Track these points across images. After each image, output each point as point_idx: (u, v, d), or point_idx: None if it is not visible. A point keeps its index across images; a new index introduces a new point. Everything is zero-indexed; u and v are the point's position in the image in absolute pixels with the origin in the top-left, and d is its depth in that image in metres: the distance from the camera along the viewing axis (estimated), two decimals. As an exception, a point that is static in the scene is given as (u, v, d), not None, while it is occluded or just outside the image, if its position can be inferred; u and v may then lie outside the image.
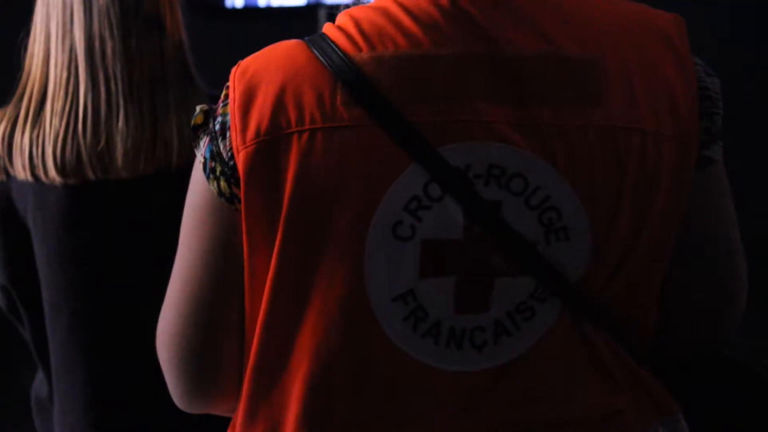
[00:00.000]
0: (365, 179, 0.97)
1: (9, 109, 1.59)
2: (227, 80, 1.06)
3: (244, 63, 1.04)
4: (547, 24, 1.00)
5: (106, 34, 1.53)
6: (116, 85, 1.53)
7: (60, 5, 1.54)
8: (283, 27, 4.21)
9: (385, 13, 1.01)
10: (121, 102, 1.53)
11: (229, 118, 1.02)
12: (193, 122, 1.10)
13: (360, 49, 0.99)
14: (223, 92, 1.05)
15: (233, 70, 1.04)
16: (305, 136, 0.98)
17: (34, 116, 1.55)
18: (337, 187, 0.97)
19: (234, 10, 4.00)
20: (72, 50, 1.54)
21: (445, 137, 0.97)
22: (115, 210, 1.57)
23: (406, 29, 0.99)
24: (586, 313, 1.03)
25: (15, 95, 1.60)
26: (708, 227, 1.08)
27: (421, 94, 0.98)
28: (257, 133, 0.99)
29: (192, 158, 1.40)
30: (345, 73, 0.98)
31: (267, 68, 1.02)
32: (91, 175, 1.54)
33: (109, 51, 1.53)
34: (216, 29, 4.03)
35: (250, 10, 4.02)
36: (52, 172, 1.53)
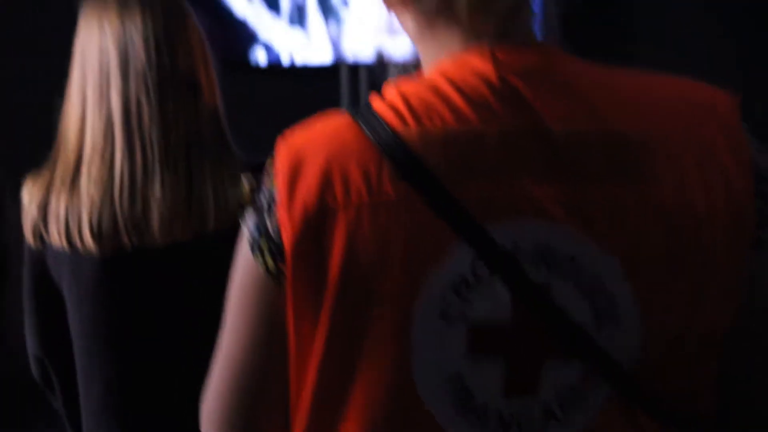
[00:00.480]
0: (411, 256, 0.96)
1: (43, 175, 1.58)
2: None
3: (290, 137, 1.04)
4: (597, 100, 0.99)
5: (143, 98, 1.52)
6: (152, 150, 1.52)
7: (97, 69, 1.54)
8: (306, 84, 4.25)
9: (433, 88, 1.01)
10: (158, 167, 1.52)
11: (275, 192, 1.01)
12: (241, 197, 1.09)
13: (407, 125, 0.98)
14: (268, 164, 1.04)
15: (278, 142, 1.04)
16: (352, 212, 0.97)
17: (69, 182, 1.54)
18: (383, 264, 0.96)
19: (258, 68, 4.02)
20: (109, 115, 1.53)
21: (492, 215, 0.96)
22: (150, 277, 1.55)
23: (455, 105, 0.99)
24: (637, 400, 1.00)
25: (49, 159, 1.59)
26: (766, 310, 1.05)
27: (469, 171, 0.97)
28: (304, 210, 0.98)
29: (227, 222, 1.38)
30: (392, 149, 0.97)
31: (313, 142, 1.01)
32: (126, 243, 1.52)
33: (145, 115, 1.52)
34: (240, 85, 4.06)
35: (274, 68, 4.04)
36: (88, 239, 1.52)
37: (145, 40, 1.52)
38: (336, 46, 4.05)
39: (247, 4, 3.96)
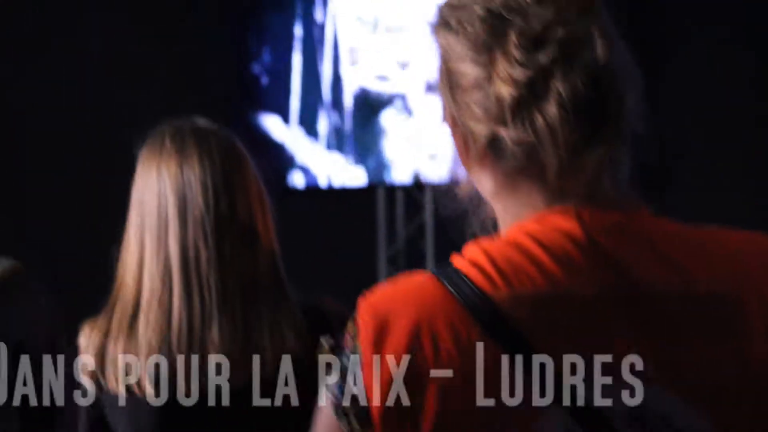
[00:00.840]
0: (505, 418, 0.95)
1: (100, 320, 1.58)
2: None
3: (372, 295, 1.02)
4: (684, 258, 0.99)
5: (201, 244, 1.53)
6: (210, 295, 1.52)
7: (155, 215, 1.55)
8: (343, 207, 4.27)
9: (519, 247, 1.00)
10: (215, 313, 1.52)
11: (360, 354, 0.99)
12: (320, 357, 1.08)
13: (496, 287, 0.97)
14: (350, 324, 1.02)
15: (360, 301, 1.02)
16: (443, 373, 0.95)
17: (127, 328, 1.54)
18: (477, 427, 0.95)
19: (296, 190, 4.07)
20: (167, 260, 1.53)
21: (586, 377, 0.95)
22: (207, 423, 1.55)
23: (543, 266, 0.98)
24: None
25: (107, 305, 1.59)
26: None
27: (560, 332, 0.96)
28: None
29: (284, 368, 1.37)
30: (482, 312, 0.96)
31: (398, 301, 0.99)
32: (184, 389, 1.52)
33: (203, 261, 1.52)
34: (277, 207, 4.10)
35: (312, 190, 4.08)
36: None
37: (203, 186, 1.53)
38: (373, 168, 4.09)
39: (284, 129, 4.02)
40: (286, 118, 4.02)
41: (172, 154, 1.56)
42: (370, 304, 1.00)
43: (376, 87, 4.07)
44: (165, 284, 1.53)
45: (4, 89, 4.04)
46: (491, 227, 1.09)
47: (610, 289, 0.97)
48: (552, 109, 0.96)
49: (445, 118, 1.07)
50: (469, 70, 1.00)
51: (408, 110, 4.07)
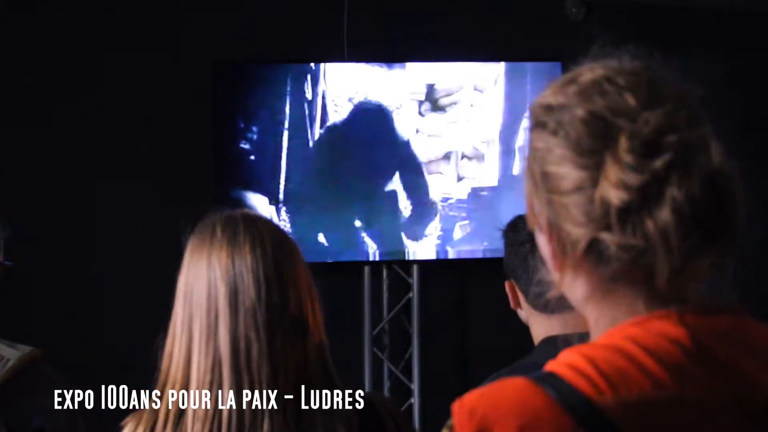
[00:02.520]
0: None
1: (145, 414, 1.54)
2: None
3: (468, 402, 0.99)
4: None
5: (252, 335, 1.49)
6: (261, 389, 1.48)
7: (204, 306, 1.51)
8: (330, 282, 4.24)
9: (622, 352, 0.97)
10: (266, 408, 1.48)
11: None
12: None
13: (601, 392, 0.95)
14: (446, 431, 0.99)
15: (455, 407, 0.99)
16: None
17: (174, 422, 1.49)
18: None
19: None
20: (216, 352, 1.49)
21: None
22: None
23: (650, 371, 0.96)
24: None
25: (154, 398, 1.55)
26: None
27: None
28: None
29: None
30: (588, 418, 0.93)
31: (498, 409, 0.96)
32: None
33: (254, 353, 1.49)
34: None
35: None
36: None
37: (255, 277, 1.50)
38: (361, 243, 4.08)
39: (271, 208, 4.01)
40: (274, 197, 4.01)
41: (223, 244, 1.53)
42: (468, 410, 0.97)
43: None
44: (214, 377, 1.49)
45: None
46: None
47: (720, 395, 0.96)
48: (665, 214, 0.95)
49: (536, 222, 1.05)
50: (570, 173, 0.98)
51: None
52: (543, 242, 1.05)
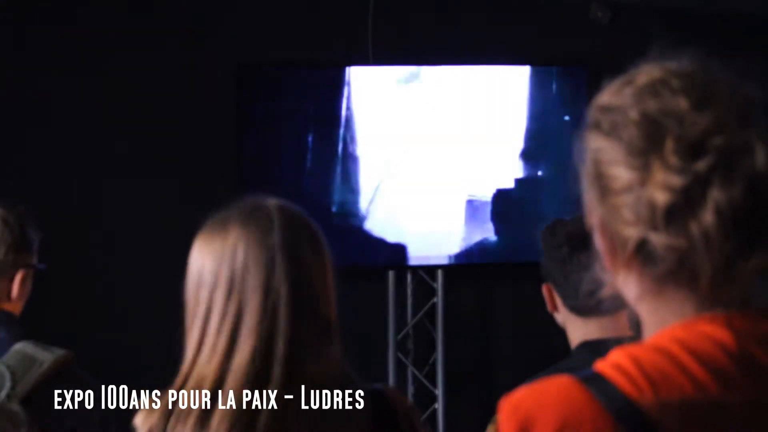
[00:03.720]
0: None
1: (162, 402, 1.51)
2: None
3: (514, 398, 1.00)
4: None
5: (281, 320, 1.48)
6: (282, 389, 1.48)
7: (236, 297, 1.49)
8: (356, 286, 4.24)
9: (667, 354, 0.97)
10: (287, 406, 1.47)
11: None
12: None
13: (642, 392, 0.95)
14: (491, 427, 1.00)
15: (501, 403, 1.00)
16: None
17: (200, 411, 1.47)
18: None
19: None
20: (254, 345, 1.48)
21: None
22: None
23: (692, 374, 0.96)
24: None
25: (177, 381, 1.51)
26: None
27: None
28: None
29: None
30: (628, 417, 0.94)
31: (541, 406, 0.97)
32: None
33: (280, 350, 1.47)
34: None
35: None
36: None
37: (286, 272, 1.48)
38: (385, 248, 4.07)
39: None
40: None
41: (257, 230, 1.50)
42: (513, 406, 0.99)
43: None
44: (249, 375, 1.47)
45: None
46: None
47: (763, 400, 0.96)
48: (708, 216, 0.95)
49: (592, 221, 1.05)
50: (621, 173, 0.99)
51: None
52: (597, 240, 1.05)
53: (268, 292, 1.48)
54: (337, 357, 1.53)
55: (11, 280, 2.07)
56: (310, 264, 1.52)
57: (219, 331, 1.49)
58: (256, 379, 1.47)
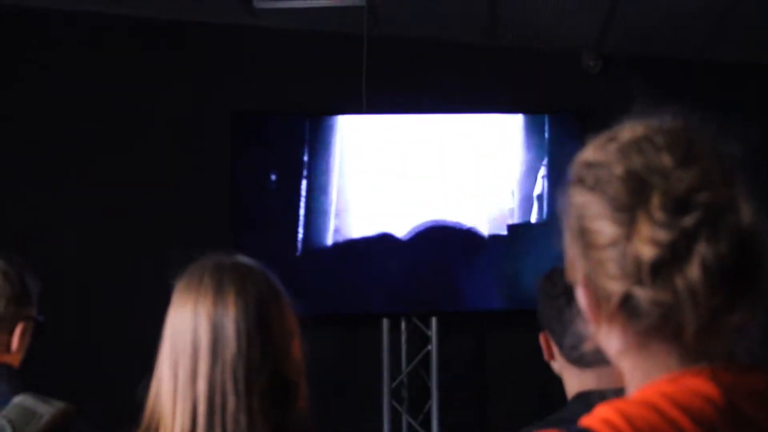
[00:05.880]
0: None
1: None
2: None
3: None
4: None
5: (230, 387, 1.48)
6: None
7: (189, 351, 1.50)
8: (348, 334, 4.22)
9: (655, 409, 0.98)
10: None
11: None
12: None
13: None
14: None
15: None
16: None
17: None
18: None
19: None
20: (194, 401, 1.48)
21: None
22: None
23: (682, 428, 0.96)
24: None
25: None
26: None
27: None
28: None
29: None
30: None
31: None
32: None
33: (230, 406, 1.47)
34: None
35: (316, 316, 4.05)
36: None
37: (237, 329, 1.49)
38: (379, 297, 4.07)
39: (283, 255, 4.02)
40: (290, 246, 4.02)
41: (209, 292, 1.52)
42: None
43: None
44: (193, 425, 1.48)
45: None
46: None
47: None
48: (694, 271, 0.96)
49: (574, 275, 1.06)
50: (606, 228, 1.00)
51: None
52: (580, 294, 1.06)
53: (216, 346, 1.49)
54: (294, 418, 1.52)
55: (11, 332, 2.07)
56: (264, 323, 1.51)
57: (175, 378, 1.51)
58: (201, 428, 1.48)
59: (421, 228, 4.11)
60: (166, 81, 4.25)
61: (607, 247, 1.00)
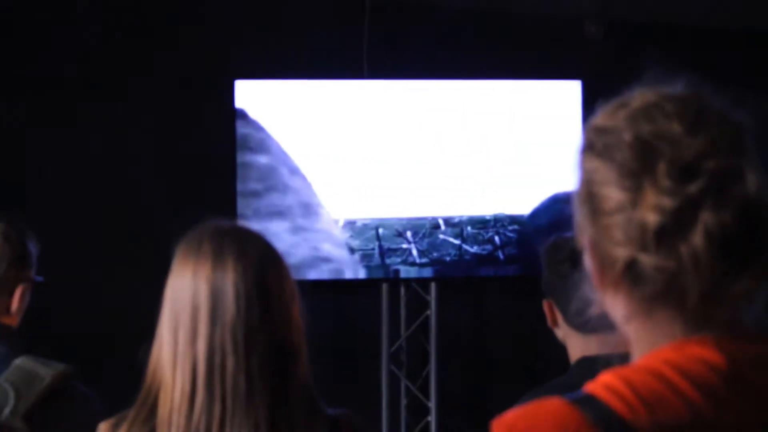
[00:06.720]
0: None
1: (130, 415, 1.55)
2: None
3: (507, 420, 1.00)
4: None
5: (229, 349, 1.49)
6: (234, 404, 1.49)
7: (188, 313, 1.52)
8: (348, 299, 4.24)
9: (659, 376, 0.98)
10: (237, 422, 1.49)
11: None
12: None
13: (636, 413, 0.96)
14: None
15: (494, 425, 1.00)
16: None
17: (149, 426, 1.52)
18: None
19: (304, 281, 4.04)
20: (194, 363, 1.50)
21: None
22: None
23: (684, 395, 0.97)
24: None
25: (138, 401, 1.56)
26: None
27: None
28: None
29: None
30: None
31: (534, 429, 0.98)
32: None
33: (230, 368, 1.49)
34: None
35: (317, 282, 4.06)
36: None
37: (236, 293, 1.51)
38: (377, 261, 4.08)
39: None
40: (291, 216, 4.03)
41: (208, 256, 1.53)
42: (507, 429, 0.99)
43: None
44: (192, 386, 1.50)
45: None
46: None
47: (753, 421, 0.96)
48: (698, 239, 0.96)
49: (582, 240, 1.06)
50: (613, 194, 1.01)
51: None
52: (587, 260, 1.06)
53: (216, 309, 1.51)
54: (294, 381, 1.54)
55: (11, 294, 2.09)
56: (263, 287, 1.53)
57: (175, 341, 1.53)
58: (201, 389, 1.50)
59: (427, 195, 4.10)
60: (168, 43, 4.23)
61: (614, 213, 1.01)
